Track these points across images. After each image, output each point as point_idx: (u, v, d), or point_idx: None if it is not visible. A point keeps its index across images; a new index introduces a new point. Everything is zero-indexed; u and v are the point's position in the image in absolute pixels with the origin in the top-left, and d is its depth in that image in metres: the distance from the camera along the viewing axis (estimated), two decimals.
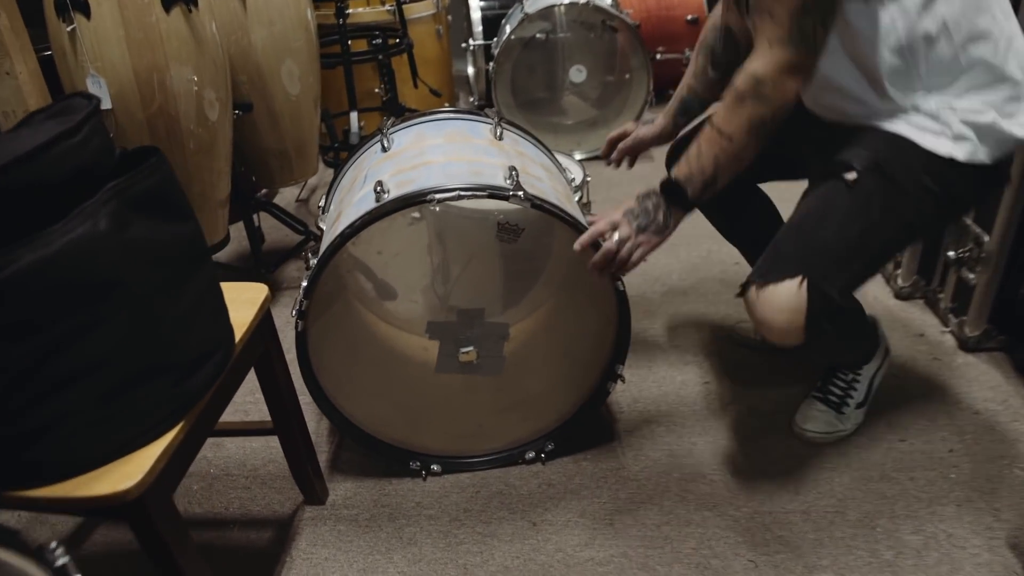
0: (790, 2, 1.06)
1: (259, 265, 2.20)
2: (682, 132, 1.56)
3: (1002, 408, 1.64)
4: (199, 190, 1.78)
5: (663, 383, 1.77)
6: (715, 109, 1.19)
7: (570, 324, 1.64)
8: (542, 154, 1.61)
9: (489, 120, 1.53)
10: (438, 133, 1.48)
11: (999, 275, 1.73)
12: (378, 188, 1.27)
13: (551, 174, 1.51)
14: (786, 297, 1.18)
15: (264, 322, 1.27)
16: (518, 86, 3.04)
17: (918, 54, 1.13)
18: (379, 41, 2.69)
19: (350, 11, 2.83)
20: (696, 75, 1.53)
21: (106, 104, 1.59)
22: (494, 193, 1.25)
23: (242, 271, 2.34)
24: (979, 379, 1.74)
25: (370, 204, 1.27)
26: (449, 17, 3.27)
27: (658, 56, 3.45)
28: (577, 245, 1.27)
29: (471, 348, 1.47)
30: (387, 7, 2.84)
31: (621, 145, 1.61)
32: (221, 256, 2.36)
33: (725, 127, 1.16)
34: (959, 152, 1.15)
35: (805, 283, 1.17)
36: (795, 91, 1.12)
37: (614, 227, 1.25)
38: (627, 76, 3.05)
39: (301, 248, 2.31)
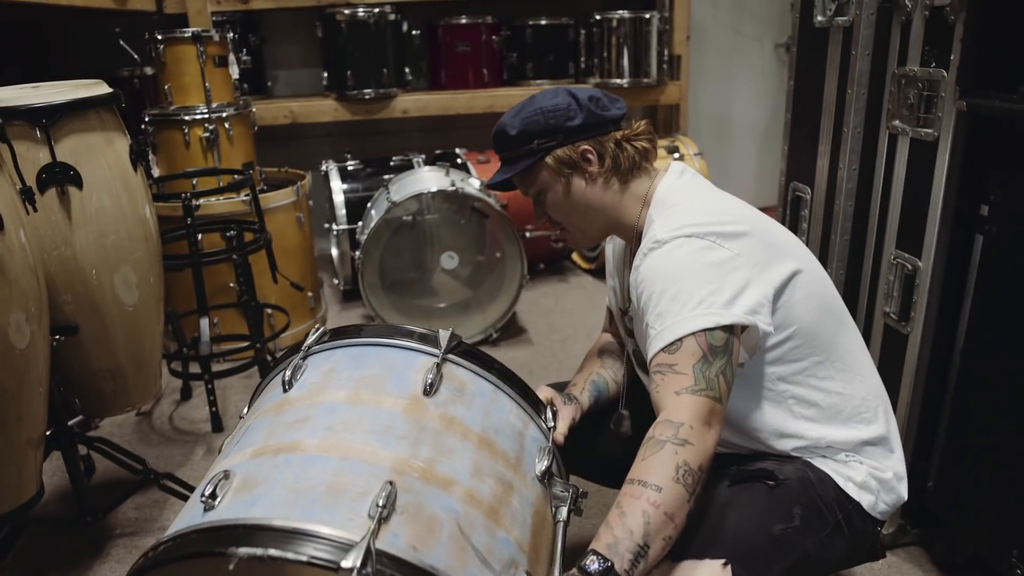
0: (688, 355, 1.07)
1: (83, 511, 1.80)
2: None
3: None
4: (0, 444, 1.43)
5: None
6: (632, 469, 1.04)
7: None
8: (500, 413, 1.17)
9: (432, 352, 1.16)
10: (350, 377, 1.14)
11: (907, 467, 1.68)
12: (207, 495, 0.94)
13: (492, 467, 1.07)
14: None
15: None
16: (386, 267, 2.90)
17: (795, 413, 1.23)
18: (233, 233, 2.48)
19: (200, 202, 2.62)
20: (611, 370, 1.51)
21: None
22: (315, 562, 0.83)
23: (60, 522, 1.93)
24: None
25: (193, 519, 0.93)
26: (311, 202, 3.12)
27: (527, 234, 3.45)
28: None
29: None
30: (243, 197, 2.65)
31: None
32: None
33: (649, 478, 1.00)
34: (863, 499, 1.22)
35: (730, 568, 1.04)
36: (715, 440, 1.05)
37: None
38: (498, 255, 2.99)
39: (140, 485, 1.93)
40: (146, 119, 2.70)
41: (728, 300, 1.09)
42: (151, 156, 2.75)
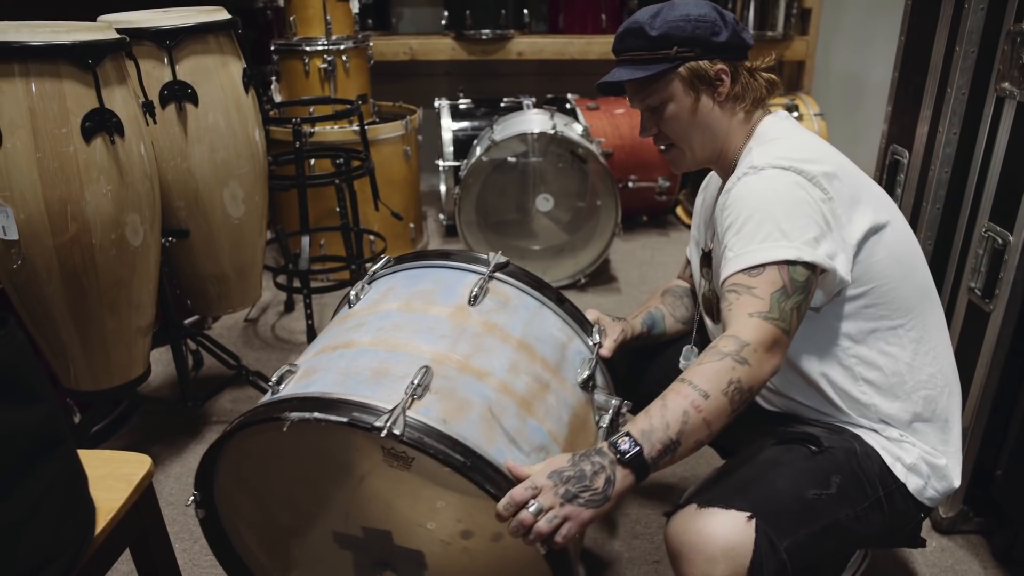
0: (769, 282, 1.06)
1: (185, 397, 2.03)
2: (643, 342, 1.48)
3: None
4: (113, 325, 1.64)
5: (613, 558, 1.60)
6: (686, 371, 1.06)
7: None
8: (542, 324, 1.26)
9: (481, 271, 1.28)
10: (404, 292, 1.27)
11: (975, 451, 1.61)
12: (273, 383, 1.13)
13: (529, 366, 1.17)
14: (730, 528, 1.05)
15: (143, 502, 1.11)
16: (488, 207, 2.98)
17: (861, 382, 1.21)
18: (342, 160, 2.63)
19: (315, 129, 2.79)
20: (669, 306, 1.53)
21: (11, 235, 1.47)
22: (354, 422, 0.98)
23: (164, 404, 2.18)
24: (955, 568, 1.58)
25: (261, 402, 1.12)
26: (420, 137, 3.24)
27: (630, 184, 3.43)
28: (498, 516, 0.99)
29: (389, 572, 1.24)
30: (354, 127, 2.79)
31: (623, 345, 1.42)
32: (147, 384, 2.19)
33: (701, 383, 1.02)
34: (911, 482, 1.19)
35: (754, 523, 1.05)
36: (775, 367, 1.05)
37: (535, 492, 0.97)
38: (598, 203, 3.00)
39: (234, 379, 2.15)
40: (272, 48, 2.88)
41: (814, 239, 1.07)
42: (275, 83, 2.95)
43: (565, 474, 0.98)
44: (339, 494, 1.14)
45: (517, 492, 0.97)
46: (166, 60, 1.75)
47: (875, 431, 1.21)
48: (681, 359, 1.46)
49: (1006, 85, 1.45)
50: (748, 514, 1.06)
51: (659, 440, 0.99)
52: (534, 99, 3.49)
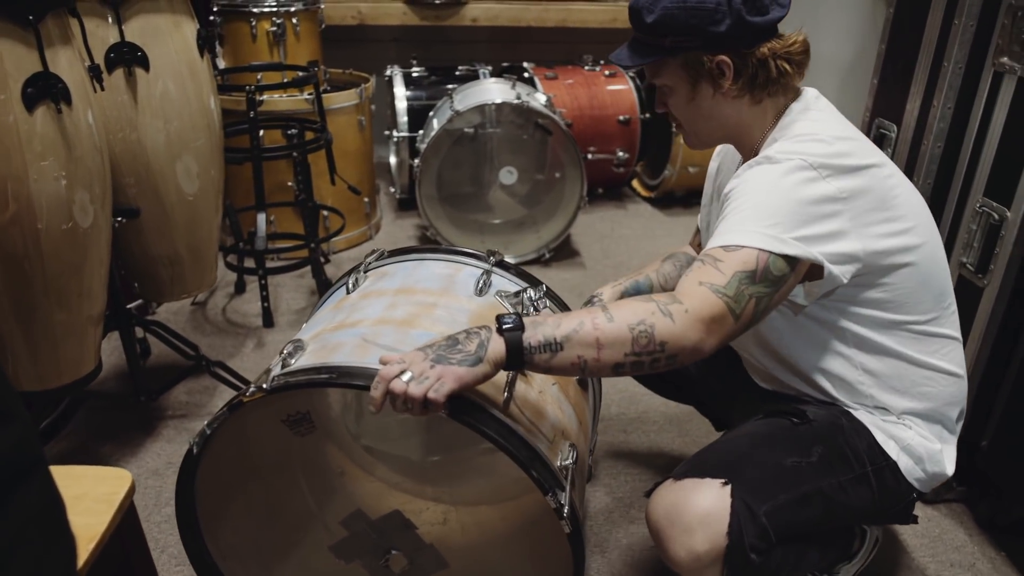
0: (739, 262, 1.00)
1: (137, 391, 1.87)
2: None
3: (970, 574, 1.51)
4: (62, 317, 1.48)
5: (612, 544, 1.55)
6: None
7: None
8: (422, 272, 1.32)
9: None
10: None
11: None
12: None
13: (408, 299, 1.22)
14: (705, 495, 1.03)
15: (125, 524, 0.98)
16: (443, 179, 2.87)
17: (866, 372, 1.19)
18: (295, 132, 2.46)
19: (264, 98, 2.61)
20: (662, 274, 1.48)
21: None
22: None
23: (115, 399, 2.01)
24: (942, 538, 1.61)
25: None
26: (373, 106, 3.09)
27: (589, 156, 3.37)
28: (371, 406, 0.96)
29: (396, 552, 1.20)
30: (306, 95, 2.62)
31: None
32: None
33: (613, 309, 0.98)
34: (902, 462, 1.17)
35: (729, 488, 1.03)
36: (703, 344, 0.98)
37: (404, 366, 0.95)
38: (558, 175, 2.93)
39: (192, 370, 2.00)
40: (215, 9, 2.66)
41: (812, 236, 1.02)
42: (218, 48, 2.74)
43: (436, 344, 0.97)
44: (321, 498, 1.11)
45: (384, 369, 0.95)
46: (111, 19, 1.57)
47: (869, 411, 1.20)
48: None
49: (1005, 60, 1.43)
50: (723, 480, 1.05)
51: (543, 333, 0.96)
52: (490, 67, 3.37)
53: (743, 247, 1.01)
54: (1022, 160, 1.39)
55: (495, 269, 1.30)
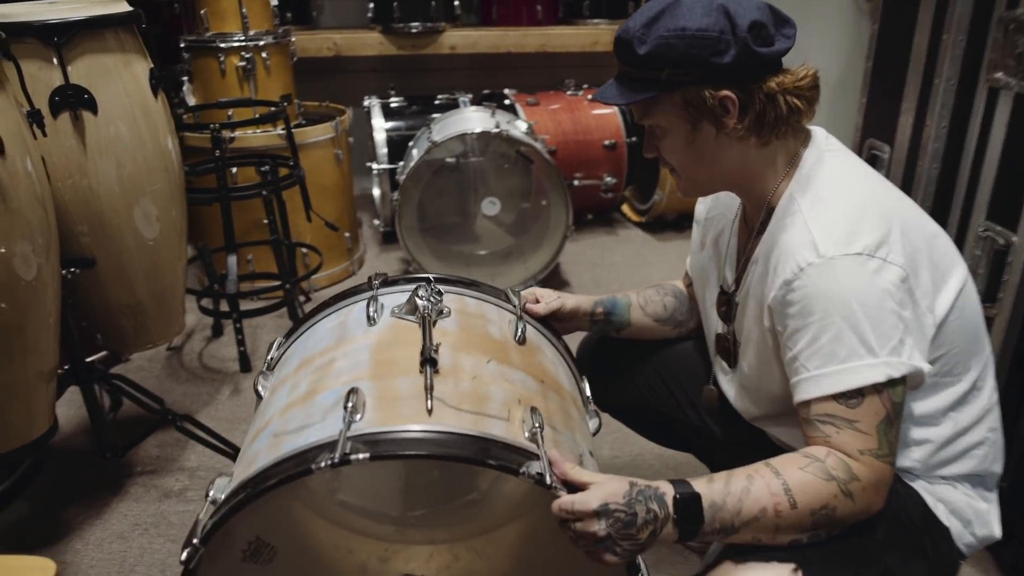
0: (876, 414, 0.94)
1: (103, 447, 1.77)
2: (599, 328, 1.38)
3: None
4: (5, 378, 1.38)
5: None
6: (780, 462, 0.96)
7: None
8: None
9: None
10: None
11: None
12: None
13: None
14: None
15: None
16: (427, 211, 2.78)
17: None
18: (267, 169, 2.38)
19: (236, 134, 2.53)
20: (644, 296, 1.39)
21: None
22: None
23: (81, 456, 1.90)
24: None
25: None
26: (351, 139, 3.01)
27: (575, 182, 3.29)
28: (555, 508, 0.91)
29: None
30: (279, 131, 2.55)
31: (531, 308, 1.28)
32: (59, 431, 1.92)
33: (796, 490, 0.92)
34: (952, 526, 1.07)
35: (800, 574, 0.92)
36: (875, 506, 0.96)
37: (584, 515, 0.90)
38: (544, 203, 2.84)
39: (159, 424, 1.89)
40: (182, 45, 2.60)
41: (900, 342, 0.94)
42: (187, 85, 2.67)
43: (616, 510, 0.90)
44: None
45: (576, 501, 0.90)
46: (55, 60, 1.49)
47: (916, 476, 1.09)
48: (703, 397, 1.33)
49: (1000, 75, 1.35)
50: (792, 566, 0.94)
51: (722, 521, 0.91)
52: (471, 95, 3.31)
53: (861, 390, 0.94)
54: None
55: (380, 291, 1.19)
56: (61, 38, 1.48)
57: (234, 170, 2.53)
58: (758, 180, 1.08)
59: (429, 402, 0.93)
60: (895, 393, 0.94)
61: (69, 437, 2.00)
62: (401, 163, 2.96)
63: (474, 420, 0.93)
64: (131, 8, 1.64)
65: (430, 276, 1.20)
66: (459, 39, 3.48)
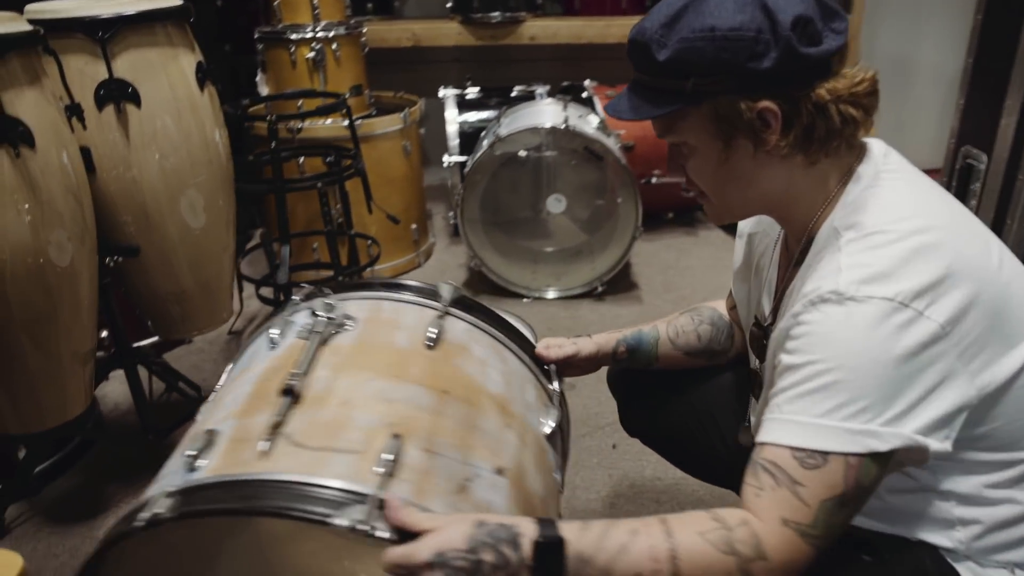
0: (824, 486, 0.78)
1: (146, 429, 1.81)
2: (624, 365, 1.27)
3: None
4: (38, 363, 1.42)
5: None
6: (679, 521, 0.81)
7: None
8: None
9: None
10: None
11: None
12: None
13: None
14: None
15: None
16: (497, 204, 2.71)
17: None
18: (331, 159, 2.38)
19: (304, 124, 2.55)
20: (675, 327, 1.26)
21: None
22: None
23: (122, 435, 1.96)
24: None
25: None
26: (422, 130, 2.98)
27: (654, 179, 3.14)
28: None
29: None
30: (345, 122, 2.54)
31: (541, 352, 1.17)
32: (115, 409, 1.99)
33: (684, 556, 0.77)
34: None
35: None
36: None
37: (414, 568, 0.75)
38: (618, 200, 2.72)
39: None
40: (256, 36, 2.63)
41: (903, 411, 0.78)
42: (260, 75, 2.70)
43: (455, 563, 0.74)
44: None
45: (391, 556, 0.74)
46: (100, 54, 1.51)
47: (963, 558, 0.91)
48: (739, 435, 1.20)
49: None
50: None
51: (592, 569, 0.77)
52: (548, 87, 3.20)
53: (828, 459, 0.78)
54: None
55: (293, 316, 1.05)
56: (106, 33, 1.50)
57: (302, 159, 2.54)
58: (801, 205, 0.92)
59: (265, 443, 0.81)
60: (866, 468, 0.78)
61: (123, 416, 2.07)
62: (471, 156, 2.91)
63: (312, 459, 0.80)
64: (180, 2, 1.65)
65: (328, 287, 1.08)
66: (539, 29, 3.38)
